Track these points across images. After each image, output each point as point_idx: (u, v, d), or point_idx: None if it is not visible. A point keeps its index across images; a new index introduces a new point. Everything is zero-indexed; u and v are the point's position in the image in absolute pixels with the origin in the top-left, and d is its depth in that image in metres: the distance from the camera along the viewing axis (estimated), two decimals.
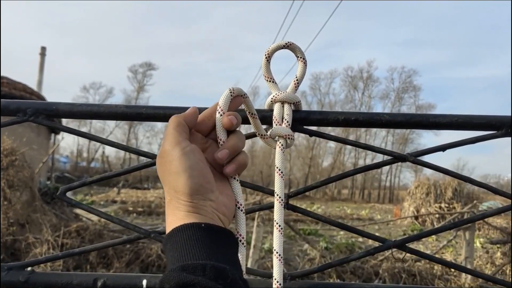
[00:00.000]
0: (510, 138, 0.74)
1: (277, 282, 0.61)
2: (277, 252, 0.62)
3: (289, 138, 0.66)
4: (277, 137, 0.67)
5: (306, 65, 0.68)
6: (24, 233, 6.43)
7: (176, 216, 0.50)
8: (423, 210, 17.44)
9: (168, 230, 0.50)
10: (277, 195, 0.64)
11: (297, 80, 0.68)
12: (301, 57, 0.68)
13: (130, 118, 0.73)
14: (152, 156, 0.75)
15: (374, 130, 38.84)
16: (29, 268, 0.72)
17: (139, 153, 0.76)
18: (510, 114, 0.74)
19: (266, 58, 0.67)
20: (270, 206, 0.72)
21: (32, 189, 7.47)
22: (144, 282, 0.69)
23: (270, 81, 0.69)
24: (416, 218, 16.77)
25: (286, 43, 0.67)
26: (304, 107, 0.74)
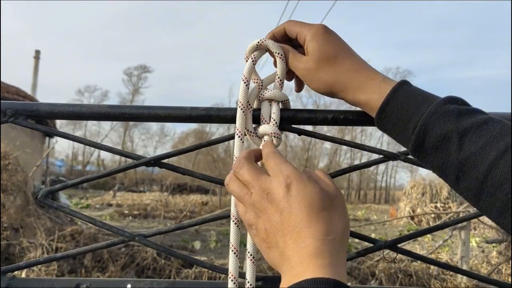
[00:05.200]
0: None
1: (249, 283, 0.60)
2: (249, 253, 0.60)
3: (275, 136, 0.65)
4: (263, 136, 0.66)
5: (284, 60, 0.66)
6: (18, 238, 6.38)
7: (336, 265, 0.46)
8: (419, 210, 17.47)
9: (322, 272, 0.44)
10: None
11: (279, 78, 0.67)
12: (277, 53, 0.66)
13: (113, 118, 0.71)
14: (137, 157, 0.73)
15: (369, 130, 38.99)
16: (9, 274, 0.70)
17: (123, 154, 0.74)
18: (498, 112, 0.73)
19: (252, 61, 0.66)
20: None
21: (26, 193, 7.42)
22: (129, 286, 0.67)
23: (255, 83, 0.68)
24: (412, 218, 16.80)
25: (258, 43, 0.66)
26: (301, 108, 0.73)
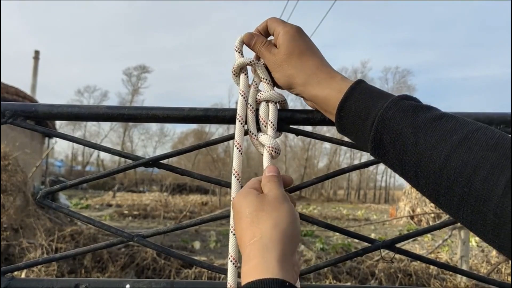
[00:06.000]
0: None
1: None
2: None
3: (274, 151, 0.65)
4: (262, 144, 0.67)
5: (264, 65, 0.69)
6: (18, 238, 6.37)
7: (266, 263, 0.48)
8: (418, 210, 17.46)
9: (252, 275, 0.47)
10: None
11: (265, 79, 0.69)
12: (264, 78, 0.69)
13: (112, 119, 0.71)
14: (135, 158, 0.73)
15: None
16: (9, 274, 0.70)
17: (121, 154, 0.74)
18: (498, 112, 0.73)
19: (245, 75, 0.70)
20: None
21: (26, 193, 7.41)
22: (127, 286, 0.67)
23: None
24: (412, 218, 16.79)
25: (250, 62, 0.69)
26: (300, 108, 0.73)
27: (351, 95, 0.58)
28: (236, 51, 0.70)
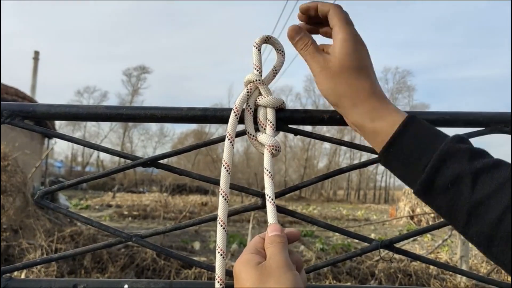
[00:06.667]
0: (501, 134, 0.72)
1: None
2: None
3: (274, 149, 0.65)
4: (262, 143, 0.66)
5: (284, 57, 0.69)
6: (17, 239, 6.37)
7: None
8: (418, 210, 17.45)
9: None
10: (268, 196, 0.62)
11: (275, 68, 0.69)
12: (279, 50, 0.69)
13: (110, 119, 0.71)
14: (134, 158, 0.73)
15: None
16: (7, 275, 0.69)
17: (120, 154, 0.74)
18: (497, 111, 0.73)
19: (256, 48, 0.68)
20: (255, 208, 0.71)
21: (25, 194, 7.41)
22: (126, 287, 0.67)
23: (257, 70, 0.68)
24: (412, 218, 16.80)
25: (267, 37, 0.68)
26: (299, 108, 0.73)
27: (405, 131, 0.55)
28: (255, 47, 0.67)
